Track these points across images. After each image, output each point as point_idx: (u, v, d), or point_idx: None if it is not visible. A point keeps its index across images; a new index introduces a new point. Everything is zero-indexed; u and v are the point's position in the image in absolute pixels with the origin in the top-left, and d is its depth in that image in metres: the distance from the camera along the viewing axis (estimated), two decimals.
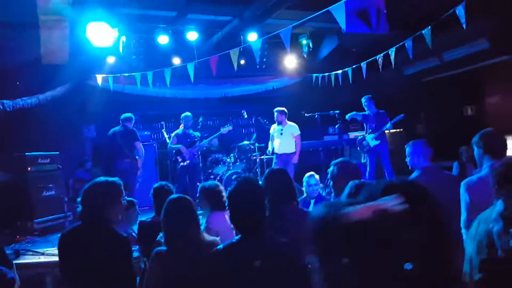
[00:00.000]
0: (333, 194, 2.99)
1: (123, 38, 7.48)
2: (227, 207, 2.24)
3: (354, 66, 7.40)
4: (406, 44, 5.85)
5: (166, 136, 7.31)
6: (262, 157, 8.46)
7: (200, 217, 3.02)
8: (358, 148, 7.49)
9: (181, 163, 7.33)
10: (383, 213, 1.18)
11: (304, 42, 8.87)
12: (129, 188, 6.86)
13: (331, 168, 2.92)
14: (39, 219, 5.96)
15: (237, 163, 8.40)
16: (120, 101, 8.43)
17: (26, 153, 6.16)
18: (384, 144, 7.08)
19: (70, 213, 6.53)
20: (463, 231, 2.72)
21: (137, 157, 6.94)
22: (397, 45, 6.18)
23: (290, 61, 9.31)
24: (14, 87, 7.13)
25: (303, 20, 5.03)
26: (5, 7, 5.50)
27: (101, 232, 2.46)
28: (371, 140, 7.16)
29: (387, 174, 6.92)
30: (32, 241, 5.40)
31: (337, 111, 7.64)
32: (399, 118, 6.91)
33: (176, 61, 8.28)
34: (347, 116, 7.38)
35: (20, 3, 5.49)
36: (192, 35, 7.70)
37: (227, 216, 3.57)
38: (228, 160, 8.36)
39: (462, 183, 2.86)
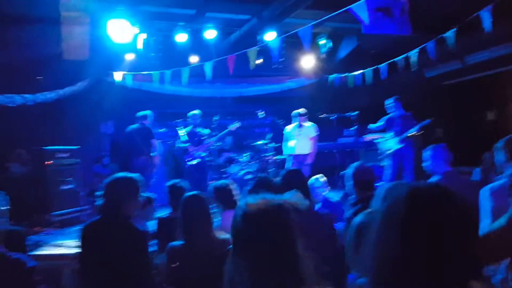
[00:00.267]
0: (352, 197, 2.96)
1: (142, 35, 7.55)
2: None
3: (373, 67, 7.30)
4: (428, 47, 5.75)
5: (181, 134, 7.33)
6: (276, 157, 8.44)
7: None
8: (379, 151, 7.36)
9: (190, 162, 7.32)
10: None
11: (322, 42, 8.81)
12: (145, 185, 6.92)
13: (347, 170, 2.90)
14: (57, 212, 6.05)
15: (251, 163, 8.40)
16: (137, 98, 8.50)
17: (45, 147, 6.26)
18: (409, 147, 6.84)
19: (87, 207, 6.63)
20: None
21: (153, 154, 7.03)
22: (419, 47, 6.08)
23: (307, 62, 9.25)
24: (35, 82, 7.27)
25: (322, 19, 4.99)
26: (28, 2, 5.61)
27: (120, 226, 2.50)
28: (395, 143, 6.93)
29: (407, 179, 6.79)
30: (50, 234, 5.50)
31: (355, 113, 7.56)
32: (425, 123, 6.65)
33: (194, 59, 8.31)
34: (369, 127, 7.26)
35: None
36: (210, 34, 7.72)
37: None
38: (242, 159, 8.36)
39: (487, 188, 2.81)
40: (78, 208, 6.46)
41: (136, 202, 2.66)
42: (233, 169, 8.36)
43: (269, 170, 8.44)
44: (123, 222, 2.52)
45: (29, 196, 5.83)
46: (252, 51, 5.44)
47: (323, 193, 4.58)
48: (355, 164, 2.99)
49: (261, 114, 8.85)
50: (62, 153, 6.45)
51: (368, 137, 9.21)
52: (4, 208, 3.30)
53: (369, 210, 1.60)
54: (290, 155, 7.39)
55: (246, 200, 1.42)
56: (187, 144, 7.40)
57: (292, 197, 1.46)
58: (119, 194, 2.56)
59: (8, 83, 6.48)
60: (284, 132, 7.61)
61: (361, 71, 7.63)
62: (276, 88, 10.09)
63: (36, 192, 6.09)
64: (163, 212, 3.97)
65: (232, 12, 7.47)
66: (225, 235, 2.62)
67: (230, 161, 8.57)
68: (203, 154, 7.45)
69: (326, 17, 4.76)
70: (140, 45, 7.57)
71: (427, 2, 6.35)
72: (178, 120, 7.90)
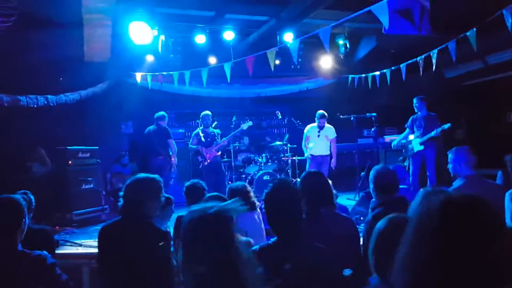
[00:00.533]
0: (373, 199, 2.93)
1: (162, 37, 7.64)
2: (258, 208, 2.25)
3: (393, 68, 7.21)
4: (449, 46, 5.65)
5: (201, 135, 7.36)
6: (294, 158, 8.42)
7: None
8: (403, 151, 7.26)
9: (202, 163, 7.34)
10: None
11: (341, 42, 8.74)
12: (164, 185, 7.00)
13: (371, 172, 2.87)
14: (78, 211, 6.16)
15: (269, 163, 8.40)
16: (157, 99, 8.61)
17: (67, 147, 6.39)
18: (429, 149, 6.70)
19: (107, 206, 6.73)
20: None
21: (170, 153, 7.11)
22: (440, 47, 5.98)
23: (326, 62, 9.19)
24: (58, 83, 7.42)
25: (341, 20, 4.96)
26: (51, 5, 5.73)
27: (141, 227, 2.52)
28: (416, 144, 6.82)
29: (430, 181, 6.68)
30: (71, 232, 5.59)
31: (374, 114, 7.48)
32: (446, 127, 6.50)
33: (212, 60, 8.37)
34: (393, 145, 7.19)
35: (65, 1, 5.69)
36: (229, 35, 7.75)
37: (256, 217, 3.59)
38: (260, 160, 8.37)
39: (507, 193, 2.75)
40: (99, 208, 6.57)
41: (157, 203, 2.68)
42: (251, 169, 8.38)
43: (287, 170, 8.43)
44: (144, 222, 2.54)
45: (50, 195, 5.94)
46: (271, 52, 5.44)
47: None
48: (377, 166, 2.94)
49: (279, 114, 8.84)
50: (84, 153, 6.57)
51: (387, 138, 9.12)
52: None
53: (391, 215, 1.58)
54: (309, 156, 7.35)
55: (191, 209, 1.58)
56: (195, 146, 7.39)
57: (232, 203, 1.63)
58: (140, 194, 2.58)
59: (32, 84, 6.63)
60: (304, 133, 7.56)
61: (381, 71, 7.54)
62: (294, 88, 10.07)
63: (57, 191, 6.21)
64: (181, 212, 3.99)
65: (251, 13, 7.49)
66: (246, 238, 2.62)
67: (248, 161, 8.58)
68: (215, 155, 7.40)
69: (346, 18, 4.73)
70: (159, 46, 7.65)
71: (447, 2, 6.24)
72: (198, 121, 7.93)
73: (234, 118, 8.42)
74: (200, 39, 7.82)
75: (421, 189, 1.95)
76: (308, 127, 7.50)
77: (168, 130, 7.22)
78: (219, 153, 7.54)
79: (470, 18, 5.76)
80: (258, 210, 3.59)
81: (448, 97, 8.80)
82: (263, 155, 8.47)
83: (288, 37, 7.77)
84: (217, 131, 7.56)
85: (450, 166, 3.37)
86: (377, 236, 1.50)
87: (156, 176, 2.71)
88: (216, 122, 8.00)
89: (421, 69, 6.53)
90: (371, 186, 2.83)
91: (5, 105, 6.00)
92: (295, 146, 8.45)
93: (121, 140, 9.21)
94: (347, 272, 2.13)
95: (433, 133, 6.55)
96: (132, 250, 2.44)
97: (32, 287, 2.22)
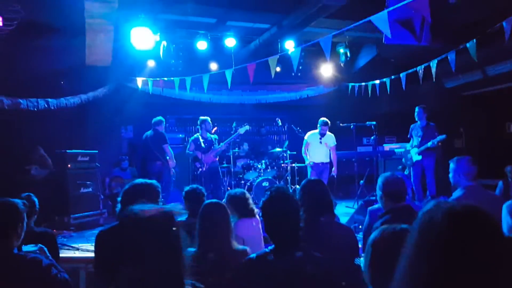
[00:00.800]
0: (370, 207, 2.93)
1: (164, 43, 7.68)
2: (257, 215, 2.25)
3: (393, 77, 7.24)
4: (449, 57, 5.68)
5: (201, 140, 7.36)
6: (293, 164, 8.43)
7: None
8: (403, 160, 7.30)
9: (200, 169, 7.32)
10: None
11: (341, 51, 8.80)
12: (164, 190, 7.03)
13: (379, 179, 2.87)
14: (76, 215, 6.15)
15: (268, 170, 8.40)
16: (157, 104, 8.64)
17: (67, 151, 6.39)
18: (428, 159, 6.75)
19: (105, 210, 6.72)
20: None
21: (167, 157, 7.12)
22: (440, 57, 6.01)
23: (326, 70, 9.23)
24: (59, 87, 7.45)
25: (343, 29, 4.99)
26: (54, 10, 5.76)
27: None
28: (414, 154, 6.90)
29: (429, 190, 6.69)
30: (68, 236, 5.59)
31: (374, 122, 7.50)
32: (441, 138, 6.59)
33: (214, 66, 8.41)
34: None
35: (68, 6, 5.72)
36: (230, 42, 7.80)
37: (254, 224, 3.58)
38: (259, 166, 8.37)
39: (504, 205, 2.74)
40: (97, 212, 6.56)
41: None
42: (251, 175, 8.38)
43: (287, 177, 8.43)
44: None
45: (49, 198, 5.93)
46: (272, 60, 5.46)
47: None
48: (385, 174, 2.93)
49: (279, 121, 8.86)
50: (83, 157, 6.57)
51: (387, 146, 9.13)
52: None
53: (384, 226, 1.58)
54: (311, 163, 7.34)
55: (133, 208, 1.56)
56: (190, 152, 7.38)
57: (172, 207, 1.67)
58: (138, 200, 2.58)
59: (33, 88, 6.65)
60: (305, 139, 7.55)
61: (381, 80, 7.58)
62: (294, 95, 10.12)
63: (56, 194, 6.20)
64: (180, 218, 3.99)
65: (253, 21, 7.54)
66: (242, 246, 2.61)
67: (248, 167, 8.58)
68: (213, 160, 7.35)
69: (347, 27, 4.75)
70: (161, 52, 7.69)
71: (447, 13, 6.29)
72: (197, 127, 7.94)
73: (234, 124, 8.44)
74: (202, 45, 7.87)
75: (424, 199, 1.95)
76: (309, 133, 7.51)
77: (164, 135, 7.21)
78: (217, 158, 7.54)
79: (470, 29, 5.80)
80: (257, 217, 3.59)
81: (447, 107, 8.82)
82: (263, 161, 8.47)
83: (289, 45, 7.82)
84: (214, 136, 7.54)
85: (450, 175, 3.37)
86: (371, 248, 1.50)
87: (153, 181, 2.71)
88: (216, 128, 8.01)
89: (420, 78, 6.56)
90: (379, 193, 2.81)
91: (5, 108, 6.01)
92: (295, 153, 8.45)
93: (121, 144, 9.23)
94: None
95: (429, 144, 6.61)
96: (129, 255, 2.43)
97: None
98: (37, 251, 2.67)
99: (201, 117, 7.43)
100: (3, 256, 2.23)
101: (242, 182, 8.46)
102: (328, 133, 7.37)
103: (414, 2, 3.87)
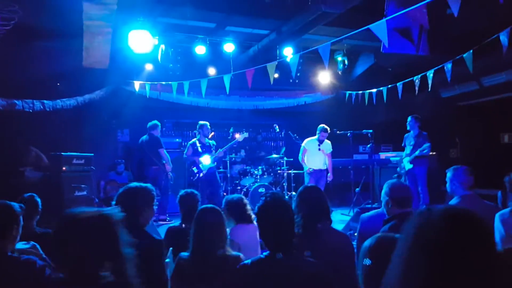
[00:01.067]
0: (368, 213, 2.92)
1: (162, 46, 7.68)
2: (254, 221, 2.24)
3: (390, 85, 7.28)
4: (445, 67, 5.72)
5: (198, 145, 7.33)
6: (290, 171, 8.42)
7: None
8: (398, 168, 7.38)
9: (197, 174, 7.27)
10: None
11: (339, 58, 8.85)
12: (162, 193, 7.03)
13: (385, 186, 2.90)
14: None
15: (265, 176, 8.39)
16: (154, 108, 8.62)
17: (62, 153, 6.35)
18: (419, 167, 6.87)
19: None
20: None
21: (163, 162, 7.09)
22: (436, 67, 6.05)
23: (324, 77, 9.27)
24: (55, 88, 7.42)
25: (341, 37, 5.00)
26: (52, 11, 5.74)
27: (135, 235, 2.49)
28: (406, 163, 7.05)
29: (422, 198, 6.73)
30: None
31: (370, 131, 7.52)
32: (425, 146, 6.76)
33: (212, 71, 8.41)
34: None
35: (66, 8, 5.71)
36: (229, 47, 7.81)
37: (251, 230, 3.56)
38: (256, 172, 8.36)
39: (497, 215, 2.77)
40: None
41: (150, 211, 2.66)
42: (247, 181, 8.36)
43: (283, 184, 8.42)
44: (137, 231, 2.51)
45: (43, 201, 5.87)
46: (271, 66, 5.48)
47: None
48: (391, 181, 2.96)
49: (276, 127, 8.86)
50: (78, 160, 6.53)
51: (383, 155, 9.16)
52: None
53: (379, 234, 1.58)
54: (311, 170, 7.32)
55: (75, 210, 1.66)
56: (187, 156, 7.35)
57: (111, 210, 1.76)
58: (132, 203, 2.56)
59: (30, 89, 6.62)
60: (302, 145, 7.54)
61: (377, 88, 7.61)
62: (292, 102, 10.15)
63: (50, 197, 6.13)
64: (176, 223, 3.97)
65: (252, 26, 7.56)
66: (236, 253, 2.60)
67: (244, 173, 8.57)
68: (212, 165, 7.29)
69: (345, 35, 4.77)
70: (159, 55, 7.68)
71: (445, 23, 6.34)
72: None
73: (231, 130, 8.44)
74: (200, 50, 7.87)
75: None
76: (306, 140, 7.51)
77: (159, 140, 7.18)
78: (215, 164, 7.51)
79: (467, 40, 5.85)
80: (255, 223, 3.58)
81: (443, 117, 8.87)
82: (259, 167, 8.47)
83: (288, 51, 7.84)
84: (212, 142, 7.51)
85: (447, 184, 3.39)
86: (363, 254, 1.49)
87: (148, 185, 2.70)
88: (213, 133, 7.99)
89: (417, 88, 6.61)
90: (386, 199, 2.82)
91: (0, 109, 5.97)
92: (292, 159, 8.45)
93: (117, 147, 9.19)
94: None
95: (417, 153, 6.71)
96: None
97: None
98: (30, 249, 2.65)
99: (200, 122, 7.40)
100: None
101: (239, 188, 8.44)
102: (326, 140, 7.39)
103: (413, 11, 3.89)
